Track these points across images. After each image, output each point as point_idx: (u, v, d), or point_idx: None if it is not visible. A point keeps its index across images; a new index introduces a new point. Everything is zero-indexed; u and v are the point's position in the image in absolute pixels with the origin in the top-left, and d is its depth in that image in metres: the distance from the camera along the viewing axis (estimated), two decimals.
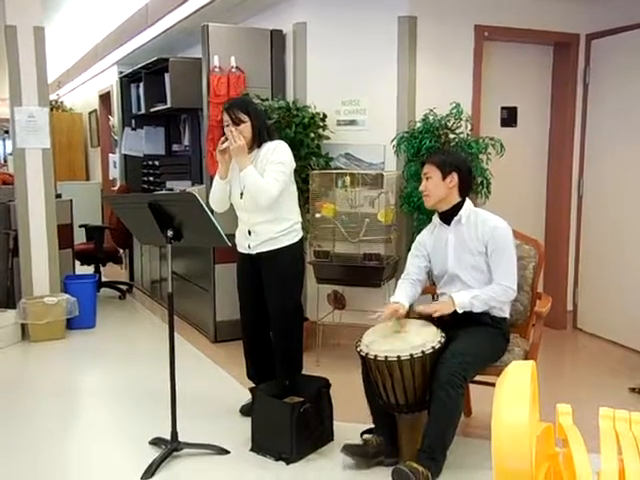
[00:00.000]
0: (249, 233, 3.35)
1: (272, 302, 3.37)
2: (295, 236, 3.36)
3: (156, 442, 3.13)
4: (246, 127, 3.23)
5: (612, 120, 4.81)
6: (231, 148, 3.18)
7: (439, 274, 3.11)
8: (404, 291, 3.08)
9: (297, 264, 3.43)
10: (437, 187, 3.00)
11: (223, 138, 3.26)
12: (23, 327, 4.94)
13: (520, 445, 1.12)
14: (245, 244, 3.39)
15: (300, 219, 3.44)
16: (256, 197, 3.20)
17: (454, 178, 2.98)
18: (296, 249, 3.38)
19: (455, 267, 3.01)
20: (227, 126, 3.24)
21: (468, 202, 3.05)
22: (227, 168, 3.30)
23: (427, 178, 3.02)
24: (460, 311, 2.89)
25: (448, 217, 3.05)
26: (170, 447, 3.01)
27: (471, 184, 3.15)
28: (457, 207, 3.03)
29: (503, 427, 1.16)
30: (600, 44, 4.89)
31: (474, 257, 2.97)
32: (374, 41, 4.55)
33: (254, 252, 3.35)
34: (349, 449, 2.92)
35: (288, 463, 2.98)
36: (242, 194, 3.27)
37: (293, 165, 3.33)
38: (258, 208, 3.24)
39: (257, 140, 3.28)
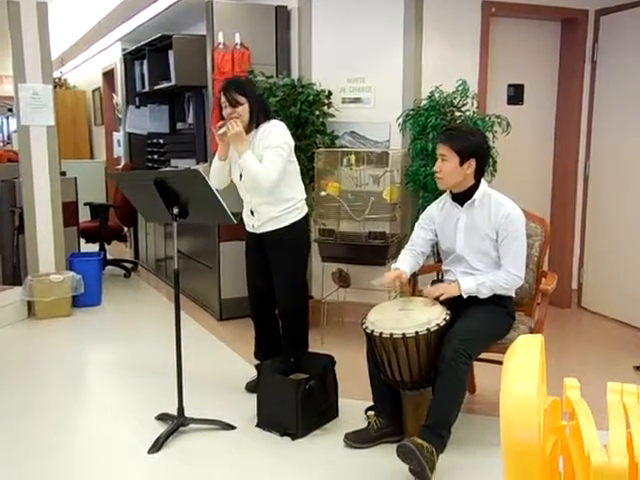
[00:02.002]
0: (252, 213, 3.37)
1: (278, 280, 3.39)
2: (298, 214, 3.35)
3: (162, 417, 3.16)
4: (243, 109, 3.21)
5: (620, 98, 4.77)
6: (228, 135, 3.17)
7: (446, 251, 3.09)
8: (406, 260, 3.07)
9: (301, 242, 3.44)
10: (453, 172, 2.88)
11: (220, 123, 3.24)
12: (29, 304, 4.97)
13: (529, 417, 1.13)
14: (250, 224, 3.41)
15: (304, 195, 3.43)
16: (256, 183, 3.20)
17: (472, 164, 2.86)
18: (300, 227, 3.38)
19: (463, 250, 2.98)
20: (225, 107, 3.23)
21: (483, 183, 2.97)
22: (227, 150, 3.29)
23: (443, 160, 2.89)
24: (465, 296, 2.89)
25: (461, 199, 2.97)
26: (176, 422, 3.04)
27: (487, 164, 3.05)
28: (471, 189, 2.94)
29: (512, 399, 1.16)
30: (609, 20, 4.84)
31: (483, 241, 2.93)
32: (380, 17, 4.50)
33: (258, 232, 3.37)
34: (351, 437, 2.94)
35: (293, 439, 3.01)
36: (241, 175, 3.28)
37: (291, 144, 3.30)
38: (258, 190, 3.25)
39: (254, 121, 3.26)
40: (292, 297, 3.41)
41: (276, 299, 3.43)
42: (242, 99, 3.21)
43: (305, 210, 3.41)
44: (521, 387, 1.19)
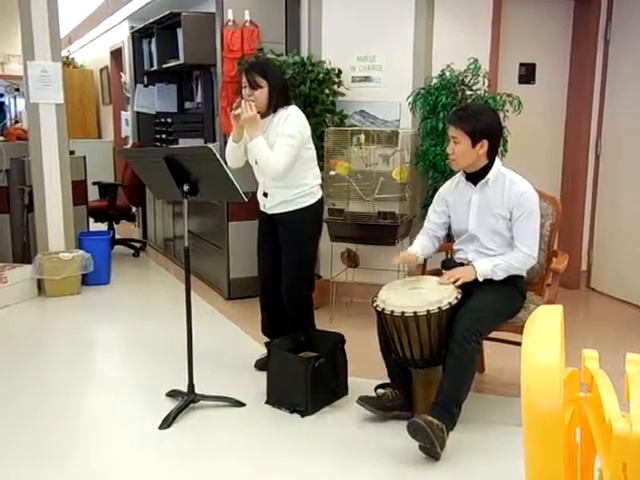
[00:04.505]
0: (265, 195, 3.36)
1: (285, 262, 3.37)
2: (312, 198, 3.33)
3: (173, 394, 3.18)
4: (262, 92, 3.19)
5: (633, 78, 4.71)
6: (242, 117, 3.13)
7: (458, 231, 3.08)
8: (420, 243, 3.12)
9: (312, 226, 3.41)
10: (466, 154, 2.87)
11: (236, 103, 3.21)
12: (39, 282, 5.00)
13: (551, 384, 1.13)
14: (262, 204, 3.41)
15: (318, 181, 3.39)
16: (263, 170, 3.19)
17: (484, 145, 2.85)
18: (312, 211, 3.35)
19: (475, 229, 2.97)
20: (244, 87, 3.21)
21: (497, 162, 2.94)
22: (241, 132, 3.25)
23: (455, 142, 2.88)
24: (481, 279, 2.87)
25: (475, 178, 2.96)
26: (187, 399, 3.06)
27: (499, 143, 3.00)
28: (485, 169, 2.92)
29: (534, 366, 1.16)
30: None
31: (496, 221, 2.92)
32: None
33: (270, 212, 3.37)
34: (365, 400, 2.94)
35: (303, 416, 3.03)
36: (257, 160, 3.26)
37: (305, 134, 3.25)
38: (266, 176, 3.24)
39: (272, 106, 3.23)
40: (297, 282, 3.38)
41: (281, 281, 3.41)
42: (262, 82, 3.18)
43: (318, 195, 3.38)
44: (543, 354, 1.19)
